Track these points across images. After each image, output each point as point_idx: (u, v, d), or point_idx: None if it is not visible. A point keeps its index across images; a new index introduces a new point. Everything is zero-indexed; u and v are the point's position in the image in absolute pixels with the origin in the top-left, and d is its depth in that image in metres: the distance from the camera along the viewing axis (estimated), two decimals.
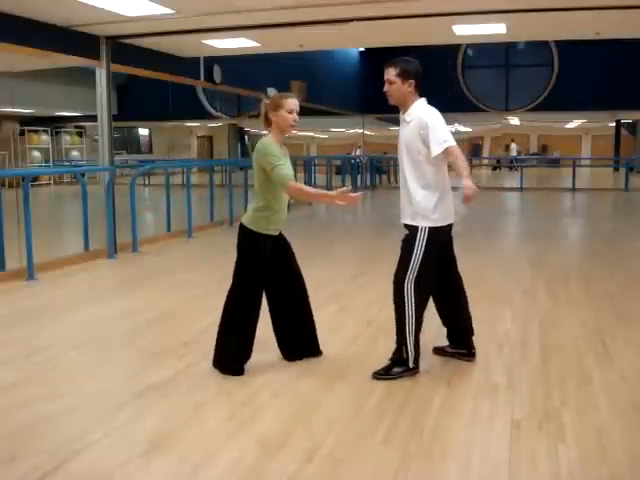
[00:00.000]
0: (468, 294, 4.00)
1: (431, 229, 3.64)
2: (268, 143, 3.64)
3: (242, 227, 3.80)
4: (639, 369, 3.87)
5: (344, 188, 3.58)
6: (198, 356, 4.13)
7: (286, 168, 3.60)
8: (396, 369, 3.72)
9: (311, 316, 4.05)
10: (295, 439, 2.99)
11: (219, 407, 3.41)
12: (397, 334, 3.77)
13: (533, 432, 3.03)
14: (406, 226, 3.73)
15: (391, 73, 3.65)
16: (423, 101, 3.71)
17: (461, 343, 4.02)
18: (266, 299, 3.93)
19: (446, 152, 3.50)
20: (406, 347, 3.70)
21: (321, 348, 4.12)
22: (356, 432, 3.07)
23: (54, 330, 4.82)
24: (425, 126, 3.54)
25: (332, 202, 3.65)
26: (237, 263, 3.84)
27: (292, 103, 3.67)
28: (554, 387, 3.58)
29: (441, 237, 3.72)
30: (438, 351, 4.11)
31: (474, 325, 4.01)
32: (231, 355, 3.82)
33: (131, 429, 3.14)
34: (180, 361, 4.07)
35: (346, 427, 3.11)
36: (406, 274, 3.66)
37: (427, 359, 4.01)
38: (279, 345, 4.03)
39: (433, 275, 3.75)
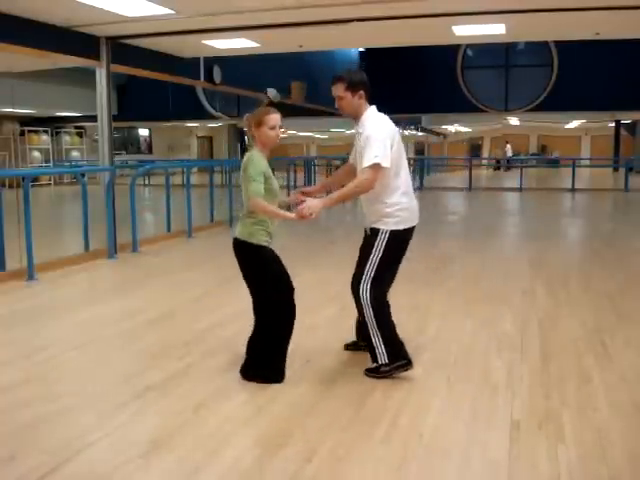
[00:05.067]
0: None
1: (392, 232, 3.65)
2: (257, 156, 3.55)
3: (242, 243, 3.56)
4: (639, 369, 3.87)
5: (297, 195, 3.60)
6: (198, 356, 4.13)
7: (260, 185, 3.45)
8: (383, 368, 3.70)
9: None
10: (295, 439, 2.99)
11: (219, 407, 3.41)
12: (365, 333, 3.76)
13: (533, 432, 3.03)
14: (369, 229, 3.75)
15: (340, 89, 3.62)
16: (373, 110, 3.70)
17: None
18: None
19: (377, 167, 3.46)
20: (376, 345, 3.68)
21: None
22: (356, 432, 3.07)
23: (54, 330, 4.83)
24: (365, 138, 3.54)
25: (290, 220, 3.53)
26: (254, 281, 3.61)
27: (274, 119, 3.57)
28: (554, 387, 3.58)
29: (402, 240, 3.73)
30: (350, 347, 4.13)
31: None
32: (283, 365, 3.70)
33: (131, 429, 3.14)
34: (180, 361, 4.06)
35: (346, 427, 3.11)
36: (362, 277, 3.67)
37: (427, 359, 4.01)
38: None
39: (388, 277, 3.79)
